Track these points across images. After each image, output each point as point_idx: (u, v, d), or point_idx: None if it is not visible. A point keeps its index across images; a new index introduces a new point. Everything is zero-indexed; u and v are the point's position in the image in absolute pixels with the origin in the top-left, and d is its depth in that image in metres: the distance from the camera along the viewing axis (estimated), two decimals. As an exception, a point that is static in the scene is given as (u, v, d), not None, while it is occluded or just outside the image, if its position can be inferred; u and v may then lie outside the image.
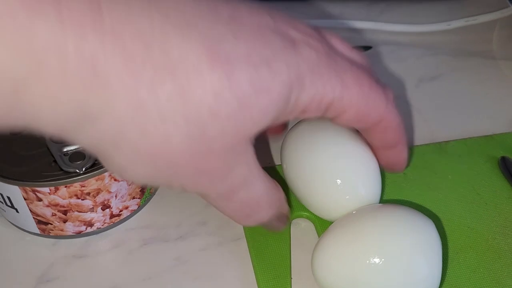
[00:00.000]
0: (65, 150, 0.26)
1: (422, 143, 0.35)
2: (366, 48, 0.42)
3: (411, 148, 0.34)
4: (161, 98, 0.17)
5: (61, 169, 0.26)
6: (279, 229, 0.26)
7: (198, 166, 0.19)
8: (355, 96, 0.22)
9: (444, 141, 0.35)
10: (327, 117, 0.22)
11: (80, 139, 0.18)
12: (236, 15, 0.19)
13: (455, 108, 0.39)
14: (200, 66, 0.17)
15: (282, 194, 0.24)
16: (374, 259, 0.24)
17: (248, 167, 0.21)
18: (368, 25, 0.46)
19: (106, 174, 0.26)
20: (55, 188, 0.25)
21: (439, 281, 0.24)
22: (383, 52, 0.44)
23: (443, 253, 0.26)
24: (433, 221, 0.25)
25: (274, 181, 0.23)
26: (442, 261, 0.26)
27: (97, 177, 0.26)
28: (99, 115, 0.16)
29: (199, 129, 0.18)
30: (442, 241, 0.25)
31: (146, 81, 0.16)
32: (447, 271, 0.27)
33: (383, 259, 0.24)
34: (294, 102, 0.20)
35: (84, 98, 0.16)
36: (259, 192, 0.22)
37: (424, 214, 0.26)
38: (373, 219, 0.25)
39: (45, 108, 0.16)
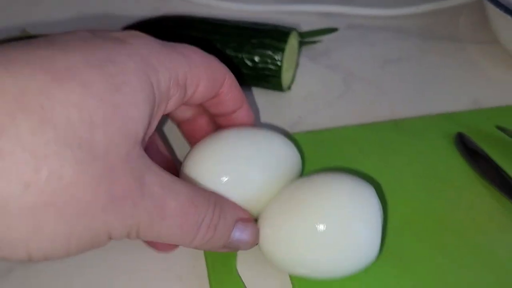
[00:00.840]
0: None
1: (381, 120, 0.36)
2: (333, 30, 0.42)
3: (368, 124, 0.35)
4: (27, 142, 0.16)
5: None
6: (252, 242, 0.24)
7: (110, 192, 0.17)
8: (200, 64, 0.23)
9: (401, 118, 0.35)
10: (188, 98, 0.23)
11: None
12: (65, 43, 0.19)
13: (419, 89, 0.39)
14: (51, 91, 0.17)
15: (219, 207, 0.22)
16: (316, 226, 0.24)
17: (155, 172, 0.20)
18: (337, 9, 0.46)
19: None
20: None
21: (379, 246, 0.25)
22: (352, 35, 0.44)
23: (389, 222, 0.27)
24: (381, 191, 0.25)
25: (204, 191, 0.23)
26: (388, 230, 0.26)
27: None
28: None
29: (83, 149, 0.17)
30: (386, 209, 0.25)
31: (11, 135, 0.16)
32: (394, 240, 0.28)
33: (324, 225, 0.24)
34: (157, 85, 0.20)
35: None
36: (185, 201, 0.20)
37: (377, 188, 0.26)
38: (314, 187, 0.25)
39: None
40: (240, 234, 0.23)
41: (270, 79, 0.36)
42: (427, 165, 0.32)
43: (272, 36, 0.35)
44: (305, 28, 0.43)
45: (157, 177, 0.20)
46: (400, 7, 0.46)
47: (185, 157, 0.26)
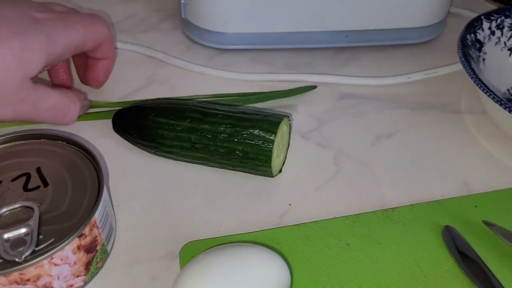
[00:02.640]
0: (6, 236, 0.27)
1: (371, 208, 0.36)
2: (312, 88, 0.45)
3: (358, 215, 0.35)
4: None
5: (1, 257, 0.27)
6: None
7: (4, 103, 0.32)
8: (89, 31, 0.36)
9: (391, 208, 0.35)
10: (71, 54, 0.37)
11: None
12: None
13: (408, 169, 0.39)
14: None
15: (74, 93, 0.38)
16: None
17: (37, 90, 0.34)
18: (331, 79, 0.47)
19: (45, 261, 0.27)
20: (-5, 275, 0.26)
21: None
22: (344, 106, 0.45)
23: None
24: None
25: (69, 90, 0.37)
26: None
27: (35, 265, 0.27)
28: None
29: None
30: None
31: None
32: None
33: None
34: (53, 53, 0.34)
35: None
36: (55, 99, 0.35)
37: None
38: (229, 257, 0.27)
39: None
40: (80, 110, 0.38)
41: (260, 168, 0.36)
42: (413, 261, 0.32)
43: (262, 127, 0.35)
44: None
45: (36, 91, 0.34)
46: (392, 76, 0.47)
47: (176, 278, 0.26)
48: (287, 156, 0.40)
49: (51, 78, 0.42)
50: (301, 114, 0.44)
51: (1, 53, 0.31)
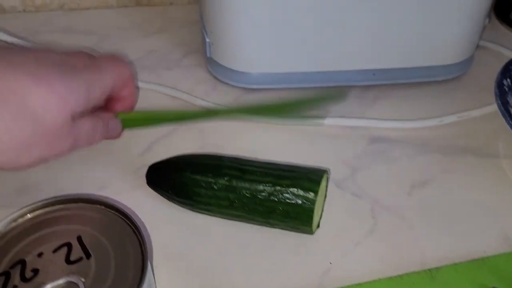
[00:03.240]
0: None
1: (412, 265, 0.35)
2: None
3: (401, 276, 0.34)
4: (10, 110, 0.28)
5: None
6: (118, 132, 0.37)
7: (44, 144, 0.30)
8: (118, 75, 0.35)
9: (435, 268, 0.35)
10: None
11: None
12: (40, 56, 0.31)
13: (445, 221, 0.39)
14: (29, 86, 0.29)
15: (100, 121, 0.35)
16: None
17: (76, 129, 0.32)
18: (362, 122, 0.46)
19: None
20: None
21: None
22: (376, 151, 0.44)
23: None
24: None
25: (95, 116, 0.35)
26: None
27: None
28: None
29: (39, 121, 0.29)
30: None
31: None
32: None
33: None
34: (93, 97, 0.33)
35: None
36: (87, 129, 0.34)
37: None
38: None
39: None
40: (111, 130, 0.37)
41: (301, 227, 0.35)
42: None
43: (303, 186, 0.34)
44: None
45: (73, 130, 0.32)
46: (423, 119, 0.46)
47: None
48: (324, 209, 0.39)
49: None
50: (333, 160, 0.43)
51: (48, 93, 0.30)
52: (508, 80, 0.42)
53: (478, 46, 0.54)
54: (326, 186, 0.39)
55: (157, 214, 0.38)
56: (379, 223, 0.38)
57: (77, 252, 0.30)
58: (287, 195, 0.34)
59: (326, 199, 0.40)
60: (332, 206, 0.39)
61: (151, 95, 0.49)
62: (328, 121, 0.46)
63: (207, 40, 0.49)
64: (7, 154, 0.29)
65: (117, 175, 0.41)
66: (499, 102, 0.39)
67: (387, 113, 0.48)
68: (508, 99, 0.40)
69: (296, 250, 0.36)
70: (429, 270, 0.35)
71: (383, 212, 0.39)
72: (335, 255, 0.36)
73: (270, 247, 0.36)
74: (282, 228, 0.36)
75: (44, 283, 0.28)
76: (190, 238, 0.37)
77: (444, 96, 0.50)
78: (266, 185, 0.35)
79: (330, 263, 0.36)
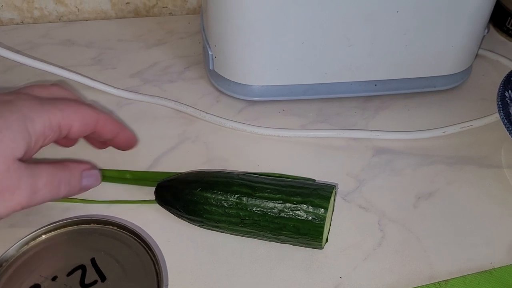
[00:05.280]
0: None
1: (421, 278, 0.36)
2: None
3: (411, 290, 0.35)
4: None
5: None
6: (95, 182, 0.36)
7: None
8: (71, 113, 0.33)
9: (444, 281, 0.35)
10: (64, 135, 0.34)
11: None
12: None
13: (451, 232, 0.39)
14: None
15: (69, 162, 0.34)
16: None
17: (26, 171, 0.30)
18: (365, 134, 0.46)
19: None
20: None
21: None
22: (380, 163, 0.44)
23: None
24: None
25: (59, 164, 0.33)
26: None
27: None
28: None
29: None
30: None
31: None
32: None
33: None
34: (33, 132, 0.31)
35: None
36: (48, 174, 0.32)
37: None
38: None
39: None
40: (87, 180, 0.35)
41: (311, 243, 0.36)
42: None
43: (313, 203, 0.35)
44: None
45: (28, 171, 0.30)
46: (426, 130, 0.47)
47: None
48: (332, 223, 0.39)
49: (95, 144, 0.41)
50: (338, 173, 0.43)
51: None
52: (510, 92, 0.43)
53: (476, 55, 0.54)
54: (334, 201, 0.40)
55: (167, 232, 0.38)
56: (387, 236, 0.39)
57: (91, 275, 0.30)
58: (297, 212, 0.35)
59: (334, 212, 0.40)
60: (340, 219, 0.40)
61: (155, 108, 0.49)
62: (332, 133, 0.46)
63: (210, 53, 0.49)
64: None
65: (124, 192, 0.41)
66: (502, 115, 0.40)
67: (390, 124, 0.48)
68: (510, 111, 0.41)
69: (306, 265, 0.37)
70: (438, 283, 0.35)
71: (390, 224, 0.40)
72: (344, 269, 0.37)
73: (280, 262, 0.37)
74: (292, 244, 0.37)
75: (60, 308, 0.28)
76: (201, 255, 0.37)
77: (445, 106, 0.50)
78: (276, 202, 0.35)
79: (340, 277, 0.36)
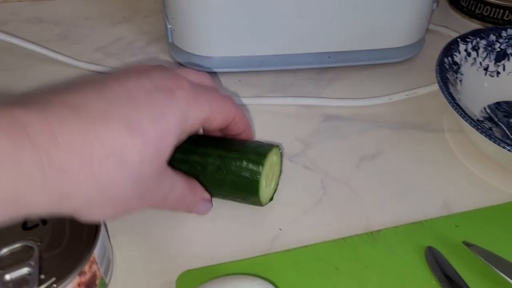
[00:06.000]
0: (8, 278, 0.28)
1: (358, 231, 0.38)
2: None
3: (345, 239, 0.37)
4: (109, 168, 0.26)
5: (4, 298, 0.28)
6: (205, 212, 0.37)
7: (141, 196, 0.29)
8: (217, 109, 0.34)
9: (376, 230, 0.37)
10: (206, 127, 0.35)
11: (60, 208, 0.25)
12: (129, 95, 0.28)
13: (391, 190, 0.41)
14: (125, 139, 0.26)
15: (197, 184, 0.36)
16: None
17: (170, 178, 0.31)
18: (315, 101, 0.48)
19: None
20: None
21: None
22: (328, 128, 0.46)
23: None
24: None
25: (190, 178, 0.35)
26: None
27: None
28: (72, 194, 0.25)
29: (138, 174, 0.27)
30: None
31: (95, 164, 0.25)
32: None
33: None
34: (184, 129, 0.31)
35: (60, 187, 0.24)
36: (182, 188, 0.33)
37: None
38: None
39: (38, 202, 0.24)
40: (199, 208, 0.36)
41: (250, 198, 0.37)
42: (400, 283, 0.34)
43: (250, 159, 0.36)
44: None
45: (169, 179, 0.31)
46: (374, 97, 0.49)
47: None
48: (279, 183, 0.41)
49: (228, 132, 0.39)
50: (287, 137, 0.45)
51: (143, 145, 0.27)
52: (449, 58, 0.45)
53: (429, 30, 0.56)
54: (281, 162, 0.41)
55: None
56: (328, 193, 0.41)
57: (33, 219, 0.32)
58: (234, 167, 0.36)
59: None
60: (284, 179, 0.41)
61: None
62: (284, 101, 0.48)
63: (169, 26, 0.51)
64: (111, 209, 0.28)
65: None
66: (439, 78, 0.42)
67: (342, 94, 0.50)
68: (448, 75, 0.43)
69: (249, 220, 0.38)
70: (371, 232, 0.37)
71: (332, 182, 0.42)
72: (285, 222, 0.38)
73: (224, 217, 0.38)
74: (233, 200, 0.38)
75: (0, 248, 0.30)
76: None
77: (396, 77, 0.52)
78: (216, 158, 0.37)
79: (280, 229, 0.38)
